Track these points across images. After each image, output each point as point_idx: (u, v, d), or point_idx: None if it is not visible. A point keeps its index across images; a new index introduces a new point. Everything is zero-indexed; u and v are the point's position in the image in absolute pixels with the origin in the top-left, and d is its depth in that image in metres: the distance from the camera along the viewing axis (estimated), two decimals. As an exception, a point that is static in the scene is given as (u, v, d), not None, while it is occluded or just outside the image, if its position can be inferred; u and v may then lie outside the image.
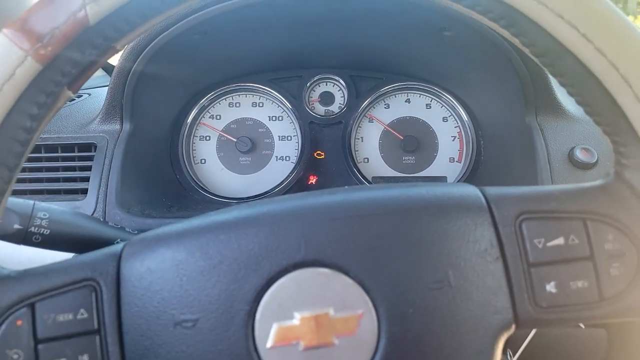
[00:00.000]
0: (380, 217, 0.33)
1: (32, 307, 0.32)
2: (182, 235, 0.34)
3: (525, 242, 0.32)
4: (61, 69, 0.31)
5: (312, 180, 0.92)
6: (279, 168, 0.92)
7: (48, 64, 0.31)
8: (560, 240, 0.32)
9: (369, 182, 0.90)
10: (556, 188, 0.35)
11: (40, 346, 0.31)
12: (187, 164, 0.91)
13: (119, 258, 0.34)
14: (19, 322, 0.32)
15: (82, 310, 0.32)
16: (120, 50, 0.34)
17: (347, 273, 0.31)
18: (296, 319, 0.31)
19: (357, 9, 0.76)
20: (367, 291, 0.31)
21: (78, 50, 0.31)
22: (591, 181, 0.62)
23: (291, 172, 0.90)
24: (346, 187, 0.38)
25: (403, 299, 0.31)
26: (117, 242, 0.54)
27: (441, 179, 0.91)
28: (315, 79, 0.94)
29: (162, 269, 0.32)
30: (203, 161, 0.93)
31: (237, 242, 0.32)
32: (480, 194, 0.34)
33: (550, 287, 0.32)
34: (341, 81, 0.93)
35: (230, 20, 0.76)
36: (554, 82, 0.75)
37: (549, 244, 0.32)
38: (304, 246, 0.32)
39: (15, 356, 0.31)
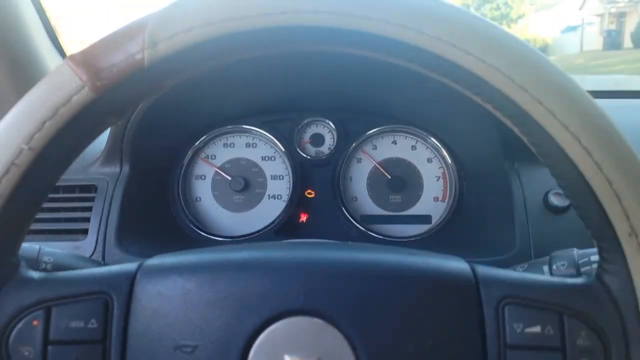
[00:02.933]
0: (376, 280, 0.36)
1: (48, 310, 0.35)
2: (195, 267, 0.37)
3: (505, 325, 0.35)
4: (112, 100, 0.35)
5: (303, 218, 0.95)
6: (271, 206, 0.95)
7: (101, 95, 0.34)
8: (537, 329, 0.34)
9: (357, 220, 0.93)
10: (541, 278, 0.37)
11: (50, 347, 0.34)
12: (182, 202, 0.94)
13: (133, 277, 0.36)
14: (35, 322, 0.34)
15: (93, 320, 0.35)
16: (166, 88, 0.38)
17: (338, 327, 0.34)
18: None
19: (345, 59, 0.80)
20: (354, 347, 0.34)
21: (130, 86, 0.35)
22: (564, 225, 0.66)
23: (283, 210, 0.93)
24: (349, 243, 0.41)
25: (384, 358, 0.34)
26: None
27: (426, 218, 0.95)
28: (306, 122, 0.98)
29: (172, 295, 0.35)
30: (198, 199, 0.96)
31: (244, 282, 0.35)
32: (470, 273, 0.37)
33: None
34: (331, 124, 0.97)
35: (224, 71, 0.80)
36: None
37: (527, 330, 0.34)
38: (304, 296, 0.35)
39: (27, 353, 0.34)
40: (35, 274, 0.37)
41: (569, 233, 0.71)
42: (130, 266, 0.37)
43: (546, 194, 0.75)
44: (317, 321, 0.34)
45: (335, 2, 0.33)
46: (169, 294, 0.35)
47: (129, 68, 0.34)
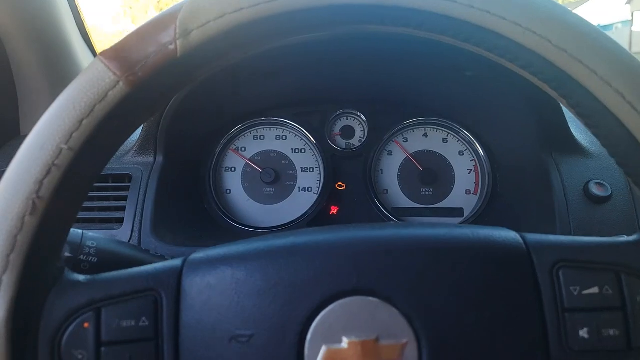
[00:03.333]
0: (427, 254, 0.35)
1: (98, 311, 0.34)
2: (243, 256, 0.36)
3: (562, 289, 0.34)
4: (146, 93, 0.34)
5: (334, 210, 0.94)
6: (301, 199, 0.95)
7: (136, 88, 0.34)
8: (595, 290, 0.34)
9: (389, 212, 0.92)
10: (592, 240, 0.37)
11: (103, 349, 0.34)
12: (214, 194, 0.94)
13: (180, 272, 0.36)
14: (86, 324, 0.34)
15: (143, 318, 0.34)
16: (198, 80, 0.38)
17: (394, 304, 0.33)
18: (344, 343, 0.33)
19: (379, 49, 0.80)
20: (411, 322, 0.33)
21: (163, 78, 0.34)
22: (605, 215, 0.65)
23: (314, 203, 0.93)
24: (392, 222, 0.41)
25: (444, 332, 0.33)
26: None
27: (458, 211, 0.94)
28: (336, 114, 0.97)
29: (222, 285, 0.35)
30: (229, 191, 0.96)
31: (294, 267, 0.35)
32: (521, 240, 0.36)
33: (583, 333, 0.33)
34: (361, 116, 0.97)
35: (255, 61, 0.80)
36: (569, 119, 0.78)
37: (584, 292, 0.34)
38: (356, 275, 0.34)
39: (80, 356, 0.33)
40: (81, 277, 0.36)
41: (612, 223, 0.70)
42: (175, 262, 0.37)
43: (587, 183, 0.74)
44: (372, 300, 0.34)
45: None
46: (219, 285, 0.35)
47: (163, 59, 0.33)
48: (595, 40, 0.33)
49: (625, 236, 0.37)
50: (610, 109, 0.32)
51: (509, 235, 0.37)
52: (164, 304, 0.35)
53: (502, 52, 0.34)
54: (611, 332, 0.33)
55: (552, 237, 0.37)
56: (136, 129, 0.37)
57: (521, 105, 0.78)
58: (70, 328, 0.34)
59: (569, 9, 0.34)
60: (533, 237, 0.37)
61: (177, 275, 0.36)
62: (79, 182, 0.34)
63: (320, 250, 0.36)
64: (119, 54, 0.34)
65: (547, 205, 0.74)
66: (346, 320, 0.33)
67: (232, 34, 0.34)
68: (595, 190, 0.72)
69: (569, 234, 0.70)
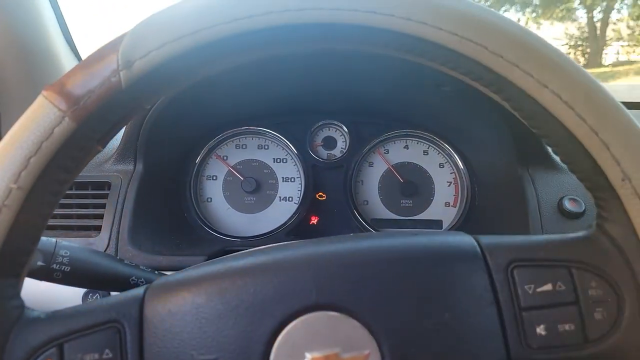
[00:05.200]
0: (384, 264, 0.36)
1: (60, 347, 0.34)
2: (201, 280, 0.36)
3: (517, 288, 0.35)
4: (93, 127, 0.34)
5: (314, 220, 0.95)
6: (282, 208, 0.96)
7: (82, 123, 0.33)
8: (548, 287, 0.35)
9: (368, 224, 0.93)
10: (544, 238, 0.37)
11: None
12: (194, 203, 0.94)
13: (141, 301, 0.35)
14: None
15: (107, 351, 0.34)
16: (147, 108, 0.37)
17: (354, 316, 0.34)
18: (307, 359, 0.33)
19: (359, 63, 0.81)
20: (373, 333, 0.33)
21: (110, 110, 0.34)
22: (577, 231, 0.66)
23: (294, 213, 0.93)
24: (352, 234, 0.41)
25: (405, 340, 0.34)
26: (133, 280, 0.57)
27: (437, 223, 0.95)
28: (318, 124, 0.98)
29: (183, 311, 0.34)
30: (209, 200, 0.96)
31: (253, 287, 0.35)
32: (475, 243, 0.37)
33: (540, 330, 0.34)
34: (343, 127, 0.98)
35: (239, 70, 0.80)
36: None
37: (539, 289, 0.35)
38: (315, 291, 0.34)
39: None
40: (41, 313, 0.36)
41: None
42: (137, 291, 0.37)
43: (561, 199, 0.75)
44: (332, 314, 0.34)
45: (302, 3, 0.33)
46: (179, 311, 0.35)
47: (107, 92, 0.33)
48: (528, 42, 0.34)
49: (574, 233, 0.38)
50: (549, 110, 0.34)
51: (463, 239, 0.38)
52: (127, 334, 0.34)
53: (442, 61, 0.36)
54: (567, 326, 0.34)
55: (505, 238, 0.38)
56: (85, 165, 0.36)
57: (497, 120, 0.79)
58: None
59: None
60: (487, 239, 0.37)
61: (139, 304, 0.35)
62: (31, 222, 0.34)
63: (278, 268, 0.36)
64: (63, 89, 0.33)
65: (522, 219, 0.75)
66: (308, 336, 0.33)
67: (175, 61, 0.34)
68: (569, 206, 0.73)
69: None
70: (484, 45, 0.33)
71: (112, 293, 0.37)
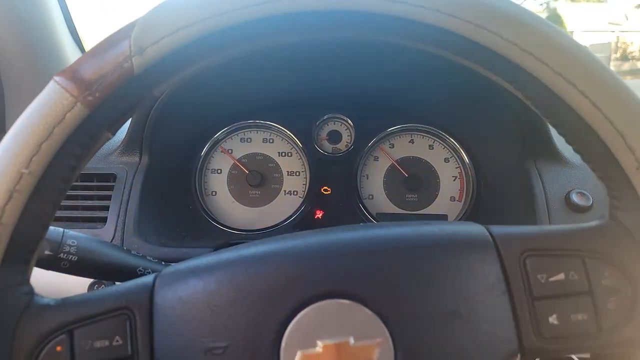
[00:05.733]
0: (396, 252, 0.36)
1: (70, 333, 0.34)
2: (213, 268, 0.36)
3: (529, 277, 0.35)
4: (105, 113, 0.34)
5: (319, 214, 0.95)
6: (287, 202, 0.95)
7: (94, 109, 0.33)
8: (561, 276, 0.35)
9: (373, 218, 0.93)
10: (557, 227, 0.37)
11: None
12: (199, 196, 0.94)
13: (151, 288, 0.36)
14: (59, 348, 0.33)
15: (117, 337, 0.34)
16: (158, 96, 0.37)
17: (366, 304, 0.34)
18: (319, 347, 0.33)
19: (366, 56, 0.81)
20: (385, 321, 0.33)
21: (121, 97, 0.34)
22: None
23: (299, 207, 0.93)
24: (362, 224, 0.41)
25: (417, 328, 0.33)
26: (140, 270, 0.57)
27: (442, 217, 0.94)
28: (324, 118, 0.98)
29: (194, 299, 0.34)
30: (214, 193, 0.96)
31: (265, 275, 0.35)
32: (487, 232, 0.37)
33: (553, 319, 0.34)
34: (349, 121, 0.97)
35: (244, 63, 0.80)
36: (552, 129, 0.79)
37: (551, 279, 0.35)
38: (327, 279, 0.34)
39: None
40: (51, 300, 0.36)
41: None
42: (146, 278, 0.37)
43: (568, 193, 0.74)
44: (344, 302, 0.34)
45: None
46: (190, 298, 0.35)
47: (119, 78, 0.33)
48: (544, 31, 0.34)
49: (587, 223, 0.38)
50: (563, 98, 0.34)
51: (474, 228, 0.38)
52: (137, 322, 0.34)
53: (457, 50, 0.35)
54: (580, 316, 0.34)
55: (517, 228, 0.38)
56: (95, 152, 0.36)
57: (504, 114, 0.79)
58: (43, 352, 0.33)
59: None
60: (499, 228, 0.37)
61: (149, 292, 0.35)
62: (42, 207, 0.34)
63: (290, 256, 0.36)
64: (75, 75, 0.33)
65: (529, 214, 0.75)
66: (319, 323, 0.33)
67: (188, 48, 0.34)
68: (576, 199, 0.73)
69: None
70: (498, 33, 0.33)
71: (118, 284, 0.38)
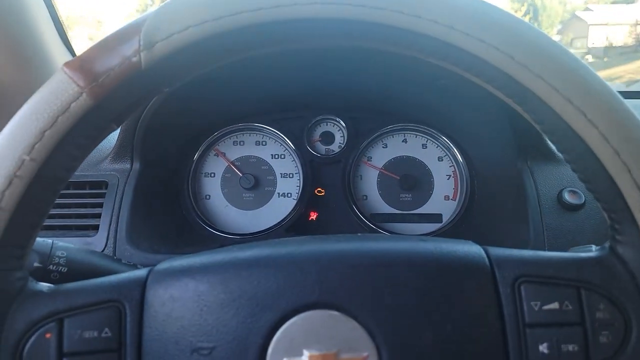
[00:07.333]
0: (390, 268, 0.35)
1: (60, 322, 0.34)
2: (205, 268, 0.36)
3: (523, 303, 0.34)
4: (110, 105, 0.34)
5: (313, 216, 0.94)
6: (281, 204, 0.95)
7: (100, 100, 0.33)
8: (555, 305, 0.34)
9: (367, 218, 0.93)
10: (554, 255, 0.37)
11: (64, 359, 0.34)
12: (192, 200, 0.93)
13: (144, 283, 0.36)
14: (48, 335, 0.34)
15: (106, 329, 0.34)
16: (164, 91, 0.37)
17: (356, 317, 0.34)
18: (305, 356, 0.33)
19: (357, 57, 0.80)
20: (373, 336, 0.33)
21: (128, 90, 0.34)
22: (577, 222, 0.66)
23: (293, 209, 0.93)
24: (359, 234, 0.41)
25: (405, 346, 0.33)
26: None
27: (436, 216, 0.94)
28: (316, 120, 0.97)
29: (185, 297, 0.35)
30: (208, 197, 0.96)
31: (257, 280, 0.35)
32: (484, 254, 0.36)
33: (543, 348, 0.34)
34: (341, 122, 0.97)
35: (235, 66, 0.79)
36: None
37: (545, 307, 0.34)
38: (318, 289, 0.34)
39: None
40: (44, 287, 0.36)
41: (584, 231, 0.71)
42: (140, 272, 0.37)
43: (560, 191, 0.74)
44: (333, 313, 0.34)
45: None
46: (181, 297, 0.35)
47: (126, 71, 0.33)
48: (556, 57, 0.33)
49: (594, 246, 0.37)
50: (571, 126, 0.33)
51: (472, 249, 0.37)
52: (128, 315, 0.35)
53: (466, 66, 0.35)
54: (570, 347, 0.34)
55: (515, 252, 0.37)
56: (99, 142, 0.36)
57: (496, 113, 0.78)
58: (32, 339, 0.34)
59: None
60: (496, 251, 0.37)
61: (141, 287, 0.36)
62: (41, 194, 0.34)
63: (283, 263, 0.36)
64: (83, 65, 0.33)
65: (521, 212, 0.75)
66: (307, 333, 0.33)
67: (197, 46, 0.34)
68: (568, 197, 0.73)
69: (542, 241, 0.71)
70: (510, 54, 0.33)
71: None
